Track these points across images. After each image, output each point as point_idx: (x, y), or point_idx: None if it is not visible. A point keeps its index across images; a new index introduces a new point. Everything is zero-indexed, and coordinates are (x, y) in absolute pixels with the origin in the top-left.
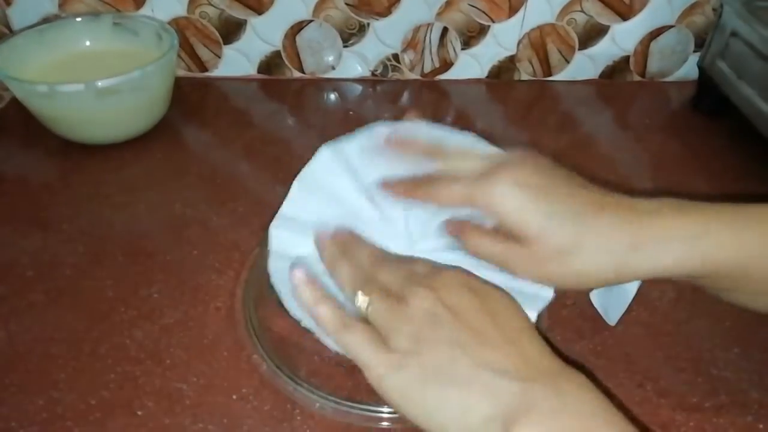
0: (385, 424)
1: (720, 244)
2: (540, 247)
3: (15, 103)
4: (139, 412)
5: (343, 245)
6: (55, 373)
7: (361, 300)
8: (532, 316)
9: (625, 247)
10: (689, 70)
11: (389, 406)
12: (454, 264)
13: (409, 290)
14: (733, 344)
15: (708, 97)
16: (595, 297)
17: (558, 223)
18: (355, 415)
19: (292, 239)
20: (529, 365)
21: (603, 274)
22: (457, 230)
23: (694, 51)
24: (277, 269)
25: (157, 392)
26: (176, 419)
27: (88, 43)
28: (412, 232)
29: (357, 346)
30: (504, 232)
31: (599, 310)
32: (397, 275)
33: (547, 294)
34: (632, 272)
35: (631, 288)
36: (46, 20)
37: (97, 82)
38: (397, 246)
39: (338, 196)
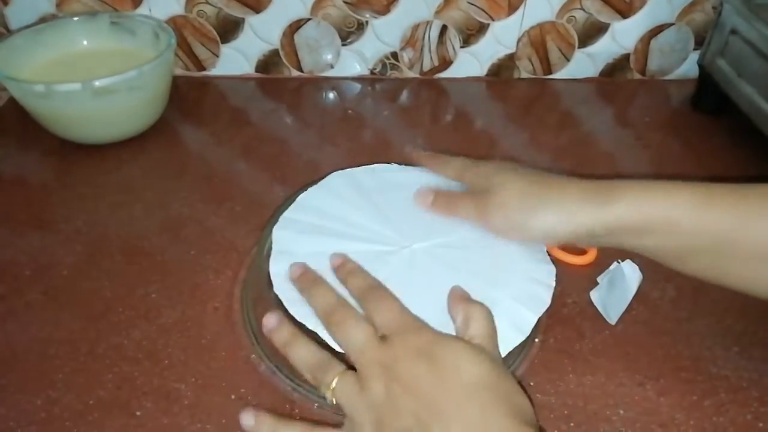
0: None
1: (654, 198)
2: (506, 198)
3: (12, 102)
4: (138, 413)
5: (307, 290)
6: (53, 373)
7: (325, 390)
8: (532, 319)
9: (577, 202)
10: (689, 68)
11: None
12: (448, 253)
13: (365, 372)
14: (733, 343)
15: (708, 95)
16: (595, 296)
17: (527, 186)
18: None
19: (295, 239)
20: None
21: (564, 229)
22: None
23: (694, 49)
24: (278, 273)
25: (155, 392)
26: (174, 419)
27: (85, 42)
28: (413, 228)
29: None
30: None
31: (599, 309)
32: (354, 340)
33: (546, 297)
34: (578, 224)
35: (632, 287)
36: (44, 20)
37: (95, 81)
38: (393, 237)
39: (340, 207)
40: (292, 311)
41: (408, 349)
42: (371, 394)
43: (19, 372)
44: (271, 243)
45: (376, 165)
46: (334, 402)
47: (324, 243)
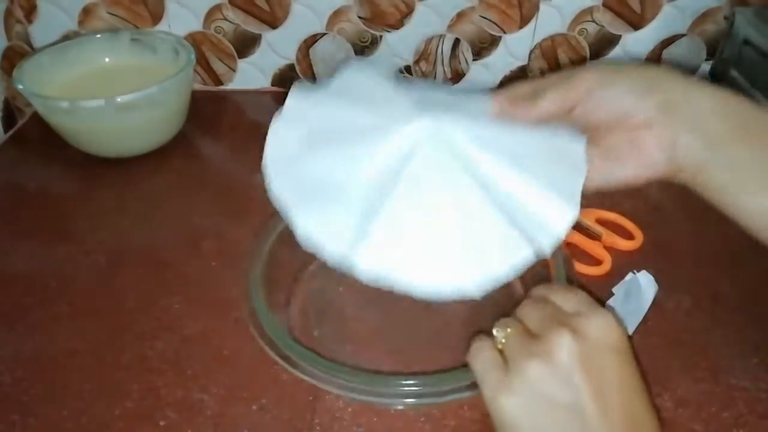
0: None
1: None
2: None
3: (35, 117)
4: (162, 423)
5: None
6: (80, 383)
7: (499, 333)
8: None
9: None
10: (701, 78)
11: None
12: (469, 155)
13: (549, 329)
14: (752, 354)
15: None
16: (611, 307)
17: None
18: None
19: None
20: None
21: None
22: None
23: (706, 59)
24: (274, 141)
25: (179, 403)
26: (198, 429)
27: (107, 59)
28: (440, 105)
29: (479, 365)
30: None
31: None
32: (542, 314)
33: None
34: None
35: (648, 298)
36: (66, 37)
37: (117, 97)
38: (398, 118)
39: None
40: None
41: (603, 330)
42: (549, 344)
43: (46, 382)
44: (265, 247)
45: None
46: (504, 342)
47: (333, 108)
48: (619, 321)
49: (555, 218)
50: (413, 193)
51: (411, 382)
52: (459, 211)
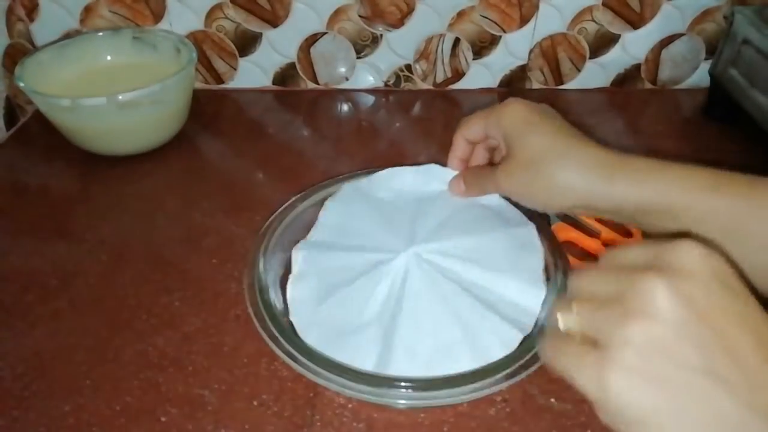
0: (401, 405)
1: (671, 180)
2: (526, 153)
3: (37, 115)
4: (163, 418)
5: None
6: (81, 379)
7: (564, 320)
8: (519, 337)
9: (601, 176)
10: (701, 77)
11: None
12: (449, 269)
13: (629, 283)
14: None
15: (720, 105)
16: None
17: (544, 135)
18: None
19: (313, 259)
20: None
21: (571, 195)
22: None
23: (706, 58)
24: (294, 297)
25: (179, 398)
26: (199, 425)
27: (108, 57)
28: (415, 233)
29: (569, 364)
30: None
31: None
32: (608, 277)
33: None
34: (600, 199)
35: None
36: (68, 36)
37: (119, 95)
38: (397, 243)
39: (355, 218)
40: (302, 335)
41: (701, 259)
42: (639, 303)
43: (47, 379)
44: (269, 245)
45: (380, 172)
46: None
47: (334, 257)
48: (711, 248)
49: (528, 300)
50: (416, 309)
51: (411, 383)
52: (455, 315)
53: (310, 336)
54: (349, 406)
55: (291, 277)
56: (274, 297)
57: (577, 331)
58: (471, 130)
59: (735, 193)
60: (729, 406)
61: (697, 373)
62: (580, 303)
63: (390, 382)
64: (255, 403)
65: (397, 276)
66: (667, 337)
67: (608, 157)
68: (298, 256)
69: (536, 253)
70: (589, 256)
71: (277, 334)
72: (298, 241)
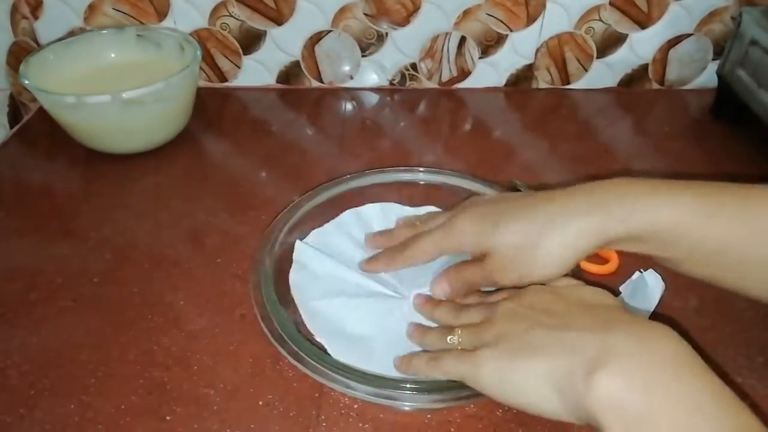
0: (406, 407)
1: (650, 207)
2: (502, 254)
3: (41, 113)
4: (168, 417)
5: (430, 309)
6: (86, 378)
7: (450, 339)
8: None
9: (577, 220)
10: (708, 78)
11: (492, 398)
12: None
13: (492, 312)
14: (758, 353)
15: (727, 105)
16: None
17: (505, 231)
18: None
19: (316, 255)
20: (609, 320)
21: (570, 253)
22: (444, 278)
23: (713, 59)
24: (296, 281)
25: (185, 397)
26: (204, 424)
27: (113, 55)
28: (402, 281)
29: (451, 366)
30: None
31: None
32: (478, 310)
33: None
34: (595, 243)
35: (654, 296)
36: (72, 33)
37: (123, 93)
38: (395, 295)
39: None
40: (306, 322)
41: (537, 287)
42: (497, 316)
43: (52, 377)
44: (275, 244)
45: (385, 204)
46: (459, 341)
47: (338, 268)
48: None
49: None
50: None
51: (417, 385)
52: None
53: (313, 323)
54: (355, 406)
55: (295, 263)
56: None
57: (456, 345)
58: (422, 259)
59: (730, 213)
60: (542, 331)
61: (529, 327)
62: (464, 328)
63: (396, 383)
64: (260, 402)
65: (408, 315)
66: (509, 323)
67: (589, 198)
68: (304, 247)
69: None
70: (598, 257)
71: (283, 335)
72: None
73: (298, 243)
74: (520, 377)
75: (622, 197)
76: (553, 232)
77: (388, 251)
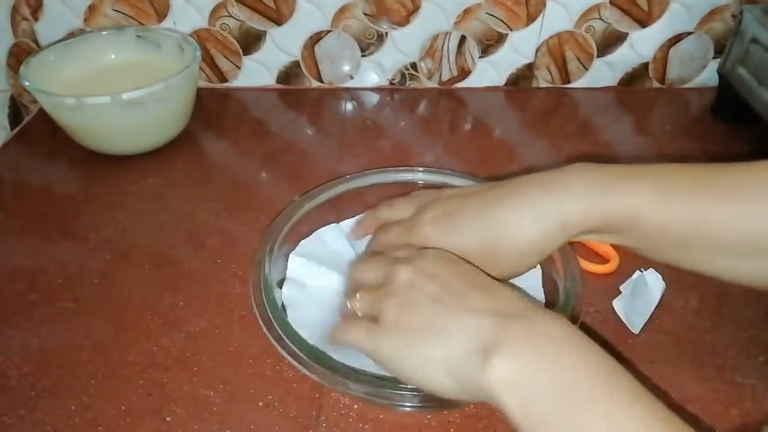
0: (408, 409)
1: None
2: (468, 256)
3: (41, 114)
4: (168, 418)
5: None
6: (86, 378)
7: (351, 303)
8: None
9: (540, 203)
10: (709, 76)
11: (390, 373)
12: None
13: (390, 272)
14: (759, 352)
15: (728, 104)
16: (618, 305)
17: (467, 234)
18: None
19: (308, 269)
20: (506, 306)
21: (524, 255)
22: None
23: (714, 57)
24: (289, 296)
25: (185, 398)
26: (204, 425)
27: (112, 56)
28: None
29: (353, 338)
30: None
31: (623, 318)
32: (379, 267)
33: None
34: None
35: (655, 296)
36: (72, 34)
37: (123, 94)
38: None
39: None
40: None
41: (434, 252)
42: (396, 284)
43: (53, 378)
44: (275, 246)
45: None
46: (359, 306)
47: (332, 279)
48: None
49: None
50: None
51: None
52: None
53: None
54: (355, 407)
55: (288, 280)
56: (280, 297)
57: (366, 312)
58: (390, 246)
59: (686, 198)
60: (443, 310)
61: (427, 303)
62: (361, 292)
63: (394, 384)
64: (260, 403)
65: None
66: (408, 296)
67: (550, 186)
68: (294, 262)
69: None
70: (598, 257)
71: (283, 336)
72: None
73: (291, 258)
74: (418, 361)
75: (579, 190)
76: (516, 231)
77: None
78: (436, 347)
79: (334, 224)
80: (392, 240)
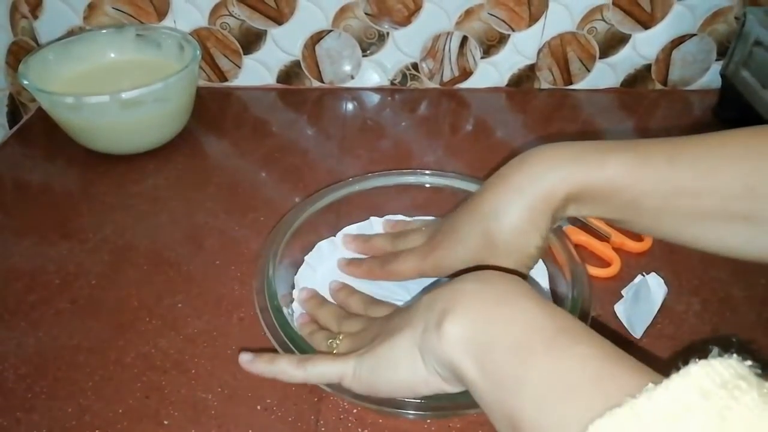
0: (410, 416)
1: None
2: (480, 253)
3: (40, 113)
4: (166, 422)
5: (314, 306)
6: (83, 381)
7: (330, 342)
8: None
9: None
10: (712, 78)
11: (365, 392)
12: None
13: (371, 322)
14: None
15: (730, 106)
16: (620, 309)
17: (467, 237)
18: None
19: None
20: (464, 278)
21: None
22: None
23: (717, 59)
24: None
25: (182, 402)
26: (202, 429)
27: (112, 54)
28: (402, 285)
29: (321, 369)
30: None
31: (624, 323)
32: (360, 321)
33: None
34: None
35: (657, 300)
36: (72, 33)
37: (122, 93)
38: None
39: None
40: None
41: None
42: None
43: (50, 380)
44: (279, 250)
45: (387, 216)
46: (340, 345)
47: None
48: None
49: None
50: None
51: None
52: None
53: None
54: (354, 411)
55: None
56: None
57: (333, 350)
58: (406, 277)
59: (659, 167)
60: (404, 312)
61: (393, 320)
62: (347, 336)
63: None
64: (259, 407)
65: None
66: (381, 325)
67: (521, 162)
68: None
69: (541, 272)
70: (600, 261)
71: (288, 343)
72: (306, 246)
73: (318, 244)
74: (390, 358)
75: (555, 164)
76: (506, 213)
77: (369, 262)
78: (405, 335)
79: (332, 238)
80: (409, 267)
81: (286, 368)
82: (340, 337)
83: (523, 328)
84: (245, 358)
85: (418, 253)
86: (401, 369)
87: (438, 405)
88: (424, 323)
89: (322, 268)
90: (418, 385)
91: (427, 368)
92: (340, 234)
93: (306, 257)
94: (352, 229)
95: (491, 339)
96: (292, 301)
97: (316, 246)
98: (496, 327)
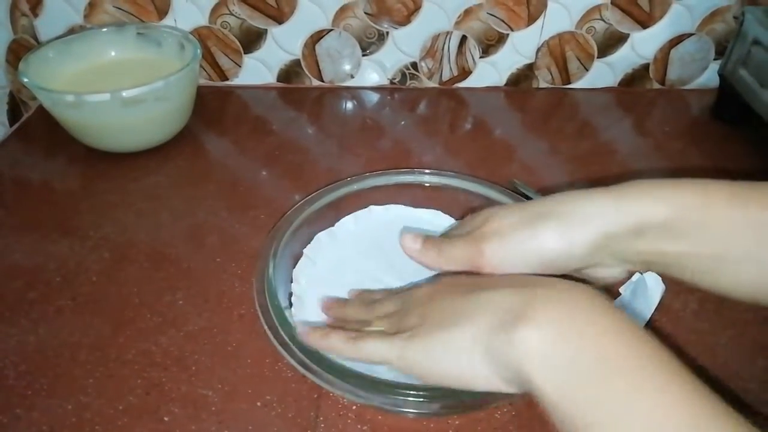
0: (411, 414)
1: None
2: (499, 224)
3: (40, 111)
4: (166, 418)
5: (338, 309)
6: (84, 378)
7: (373, 325)
8: None
9: (589, 208)
10: (710, 77)
11: (419, 379)
12: None
13: (406, 300)
14: (758, 355)
15: (729, 105)
16: (617, 307)
17: (525, 207)
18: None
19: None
20: (526, 279)
21: (556, 247)
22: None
23: (715, 59)
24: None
25: (183, 398)
26: (202, 425)
27: (113, 53)
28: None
29: (373, 347)
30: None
31: None
32: (391, 300)
33: None
34: (589, 234)
35: (654, 298)
36: (72, 31)
37: (123, 91)
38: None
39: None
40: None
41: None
42: (415, 301)
43: (50, 377)
44: (279, 248)
45: (390, 205)
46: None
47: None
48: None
49: None
50: None
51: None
52: None
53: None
54: (354, 408)
55: (293, 300)
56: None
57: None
58: (450, 262)
59: (721, 208)
60: (462, 300)
61: (449, 303)
62: (380, 319)
63: (392, 389)
64: (259, 403)
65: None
66: (428, 305)
67: (607, 190)
68: (300, 277)
69: None
70: None
71: (288, 341)
72: (306, 245)
73: (317, 236)
74: (447, 347)
75: (639, 186)
76: (569, 249)
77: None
78: (462, 329)
79: (331, 229)
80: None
81: (337, 343)
82: (377, 322)
83: (608, 348)
84: (302, 329)
85: (466, 243)
86: (460, 362)
87: (438, 405)
88: (489, 322)
89: (322, 260)
90: (476, 381)
91: (490, 367)
92: (338, 224)
93: (305, 250)
94: (350, 218)
95: (571, 356)
96: (291, 300)
97: (315, 238)
98: (577, 344)
